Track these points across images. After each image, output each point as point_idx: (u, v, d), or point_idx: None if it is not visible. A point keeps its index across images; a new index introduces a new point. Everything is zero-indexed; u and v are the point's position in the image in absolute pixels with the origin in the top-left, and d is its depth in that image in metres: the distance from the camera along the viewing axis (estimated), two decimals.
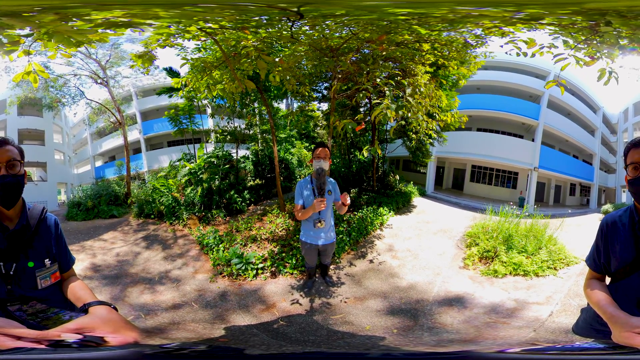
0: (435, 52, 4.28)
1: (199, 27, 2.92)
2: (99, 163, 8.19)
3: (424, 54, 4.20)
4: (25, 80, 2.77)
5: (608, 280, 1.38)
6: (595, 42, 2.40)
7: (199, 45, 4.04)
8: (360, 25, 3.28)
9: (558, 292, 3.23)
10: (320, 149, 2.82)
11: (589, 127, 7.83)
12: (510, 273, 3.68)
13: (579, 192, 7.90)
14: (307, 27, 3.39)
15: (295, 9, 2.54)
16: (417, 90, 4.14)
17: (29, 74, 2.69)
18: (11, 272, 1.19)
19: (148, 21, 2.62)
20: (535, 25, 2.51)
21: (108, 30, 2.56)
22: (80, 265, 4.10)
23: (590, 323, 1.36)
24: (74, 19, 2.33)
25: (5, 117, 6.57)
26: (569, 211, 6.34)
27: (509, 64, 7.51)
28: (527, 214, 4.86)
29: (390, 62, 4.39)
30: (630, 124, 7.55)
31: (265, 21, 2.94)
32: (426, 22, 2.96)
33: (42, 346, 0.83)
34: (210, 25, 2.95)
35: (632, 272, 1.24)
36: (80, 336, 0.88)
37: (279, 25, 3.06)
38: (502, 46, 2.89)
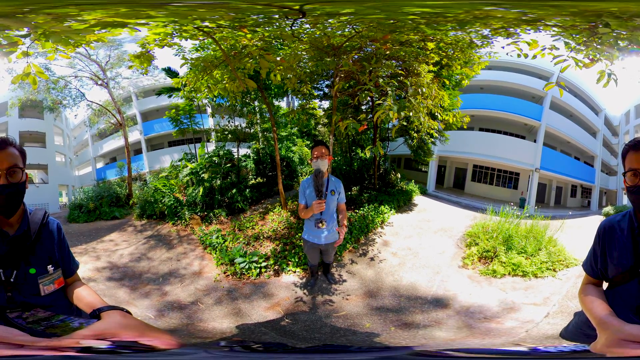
0: (440, 51, 4.24)
1: (195, 26, 2.90)
2: (100, 165, 8.20)
3: (428, 52, 4.16)
4: (24, 81, 2.78)
5: (605, 285, 1.38)
6: (594, 44, 2.38)
7: (197, 44, 4.02)
8: (365, 23, 3.23)
9: (556, 293, 3.24)
10: (316, 148, 2.79)
11: (591, 129, 7.77)
12: (509, 273, 3.69)
13: (580, 193, 7.87)
14: (308, 26, 3.35)
15: (298, 7, 2.50)
16: (419, 90, 4.12)
17: (28, 76, 2.69)
18: (12, 279, 1.17)
19: (142, 21, 2.60)
20: (541, 27, 2.48)
21: (104, 31, 2.55)
22: (83, 267, 4.14)
23: (581, 328, 1.36)
24: (69, 20, 2.32)
25: (6, 119, 6.58)
26: (570, 213, 6.32)
27: (512, 64, 7.44)
28: (527, 214, 4.86)
29: (394, 61, 4.35)
30: (632, 126, 7.51)
31: (261, 20, 2.90)
32: (435, 22, 2.89)
33: (72, 353, 0.81)
34: (207, 24, 2.93)
35: (630, 278, 1.23)
36: (107, 342, 0.86)
37: (277, 24, 3.03)
38: (503, 47, 2.87)
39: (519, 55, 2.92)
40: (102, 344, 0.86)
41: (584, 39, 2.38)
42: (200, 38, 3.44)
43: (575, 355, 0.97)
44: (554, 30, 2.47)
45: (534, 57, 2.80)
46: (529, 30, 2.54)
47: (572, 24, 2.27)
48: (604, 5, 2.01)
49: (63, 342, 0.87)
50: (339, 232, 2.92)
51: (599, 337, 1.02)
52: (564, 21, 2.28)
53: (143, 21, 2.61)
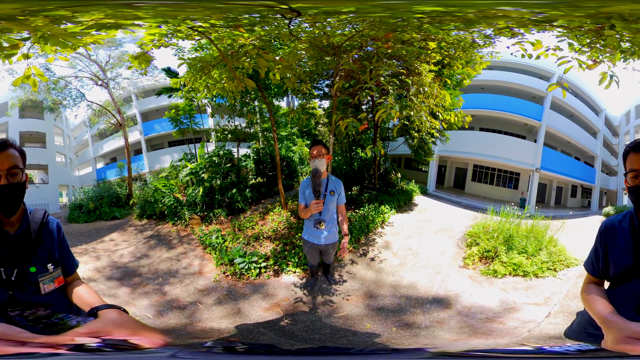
0: (442, 50, 4.22)
1: (189, 26, 2.88)
2: (100, 165, 8.20)
3: (429, 52, 4.14)
4: (25, 83, 2.78)
5: (607, 284, 1.38)
6: (598, 45, 2.37)
7: (194, 44, 4.01)
8: (367, 22, 3.20)
9: (557, 293, 3.24)
10: (314, 147, 2.77)
11: (591, 129, 7.80)
12: (509, 273, 3.69)
13: (581, 194, 7.89)
14: (306, 25, 3.33)
15: (286, 6, 2.47)
16: (421, 89, 4.11)
17: (28, 78, 2.69)
18: (12, 278, 1.18)
19: (135, 22, 2.58)
20: (546, 27, 2.45)
21: (100, 32, 2.54)
22: (83, 267, 4.13)
23: (585, 327, 1.36)
24: (64, 22, 2.31)
25: (7, 119, 6.59)
26: (570, 213, 6.33)
27: (513, 64, 7.45)
28: (528, 214, 4.86)
29: (395, 60, 4.33)
30: (632, 127, 7.54)
31: (258, 19, 2.88)
32: (439, 21, 2.86)
33: (62, 351, 0.82)
34: (199, 24, 2.91)
35: (631, 277, 1.23)
36: (98, 340, 0.88)
37: (276, 23, 3.02)
38: (508, 47, 2.86)
39: (523, 56, 2.90)
40: (94, 342, 0.87)
41: (588, 40, 2.37)
42: (196, 38, 3.42)
43: (590, 354, 0.98)
44: (558, 31, 2.46)
45: (538, 57, 2.79)
46: (533, 30, 2.52)
47: (578, 25, 2.25)
48: (622, 7, 1.99)
49: (58, 339, 0.88)
50: (342, 238, 2.89)
51: (605, 336, 1.02)
52: (569, 22, 2.26)
53: (136, 22, 2.59)
